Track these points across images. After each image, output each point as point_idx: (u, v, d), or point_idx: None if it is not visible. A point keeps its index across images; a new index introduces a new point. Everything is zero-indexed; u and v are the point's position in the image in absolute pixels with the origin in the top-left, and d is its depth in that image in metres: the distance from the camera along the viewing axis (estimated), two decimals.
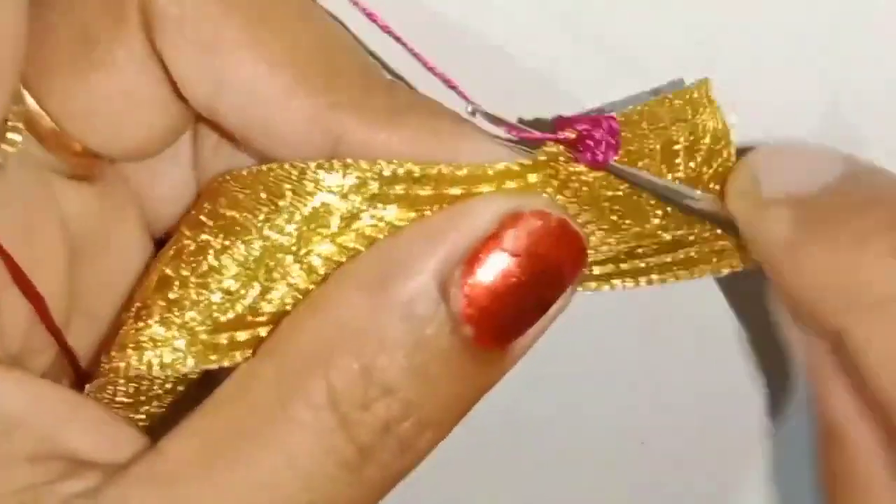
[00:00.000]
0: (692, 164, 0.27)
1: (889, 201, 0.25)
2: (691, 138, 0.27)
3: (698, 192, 0.26)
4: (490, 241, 0.24)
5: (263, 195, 0.25)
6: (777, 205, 0.25)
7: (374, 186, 0.25)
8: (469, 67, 0.28)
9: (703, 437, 0.37)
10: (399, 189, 0.25)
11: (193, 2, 0.25)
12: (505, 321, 0.24)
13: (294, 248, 0.25)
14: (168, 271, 0.26)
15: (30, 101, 0.26)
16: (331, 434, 0.23)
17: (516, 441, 0.38)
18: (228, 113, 0.26)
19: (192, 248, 0.26)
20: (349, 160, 0.25)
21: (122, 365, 0.25)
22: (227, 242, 0.25)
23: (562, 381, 0.37)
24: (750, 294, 0.33)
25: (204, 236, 0.26)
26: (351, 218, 0.25)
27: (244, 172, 0.26)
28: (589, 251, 0.26)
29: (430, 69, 0.26)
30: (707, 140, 0.27)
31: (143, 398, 0.28)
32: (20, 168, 0.26)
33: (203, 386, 0.29)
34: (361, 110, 0.25)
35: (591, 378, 0.36)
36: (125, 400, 0.27)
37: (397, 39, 0.26)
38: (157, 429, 0.28)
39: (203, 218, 0.26)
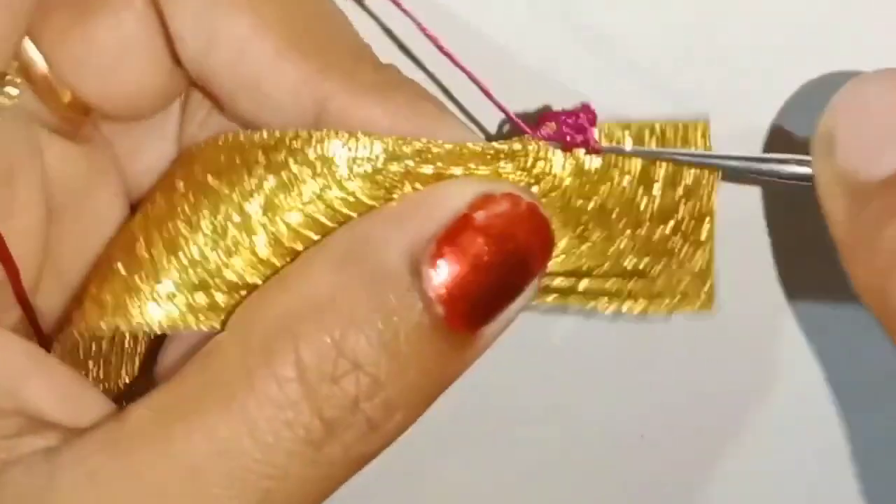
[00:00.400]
0: (671, 193, 0.27)
1: None
2: (673, 172, 0.27)
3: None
4: (461, 220, 0.24)
5: (237, 161, 0.25)
6: (839, 183, 0.24)
7: (347, 159, 0.25)
8: (469, 63, 0.28)
9: (703, 431, 0.37)
10: (371, 164, 0.25)
11: None
12: (475, 303, 0.24)
13: (262, 216, 0.25)
14: (136, 232, 0.26)
15: (26, 41, 0.26)
16: (296, 407, 0.23)
17: (516, 435, 0.39)
18: (218, 72, 0.26)
19: (163, 210, 0.26)
20: (325, 131, 0.25)
21: (83, 325, 0.25)
22: (197, 207, 0.25)
23: (561, 376, 0.37)
24: (749, 289, 0.34)
25: (175, 200, 0.26)
26: (322, 189, 0.25)
27: (220, 139, 0.26)
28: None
29: (450, 57, 0.26)
30: (689, 180, 0.27)
31: (111, 385, 0.28)
32: (9, 117, 0.26)
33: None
34: (349, 80, 0.25)
35: (591, 372, 0.36)
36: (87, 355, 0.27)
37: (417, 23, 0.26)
38: (117, 383, 0.29)
39: (176, 182, 0.26)
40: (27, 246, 0.26)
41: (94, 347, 0.27)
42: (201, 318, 0.25)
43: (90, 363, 0.27)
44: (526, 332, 0.35)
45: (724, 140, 0.31)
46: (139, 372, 0.29)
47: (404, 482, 0.39)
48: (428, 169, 0.25)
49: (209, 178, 0.26)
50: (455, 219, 0.24)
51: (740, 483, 0.38)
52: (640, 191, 0.26)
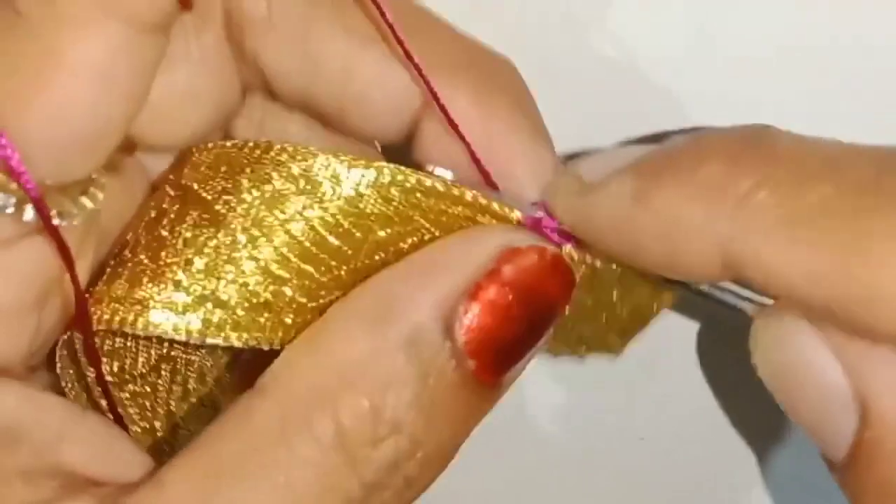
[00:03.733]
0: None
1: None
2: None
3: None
4: (490, 276, 0.24)
5: (223, 170, 0.25)
6: (618, 175, 0.25)
7: (328, 177, 0.25)
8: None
9: (702, 433, 0.37)
10: (355, 188, 0.25)
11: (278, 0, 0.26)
12: (504, 353, 0.24)
13: (245, 227, 0.25)
14: (128, 236, 0.26)
15: None
16: (336, 472, 0.23)
17: (516, 437, 0.39)
18: (325, 94, 0.26)
19: (153, 215, 0.26)
20: (312, 147, 0.25)
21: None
22: (181, 213, 0.25)
23: (561, 377, 0.37)
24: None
25: (164, 205, 0.26)
26: (303, 207, 0.25)
27: (210, 145, 0.26)
28: None
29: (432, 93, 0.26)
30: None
31: (127, 377, 0.28)
32: None
33: (185, 369, 0.29)
34: (456, 77, 0.26)
35: (591, 374, 0.36)
36: (109, 379, 0.27)
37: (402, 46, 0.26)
38: (142, 409, 0.29)
39: (167, 187, 0.26)
40: (67, 300, 0.26)
41: (107, 343, 0.27)
42: (197, 329, 0.25)
43: (104, 359, 0.27)
44: None
45: None
46: (156, 360, 0.28)
47: None
48: (448, 206, 0.25)
49: (195, 185, 0.25)
50: (483, 273, 0.24)
51: (741, 484, 0.38)
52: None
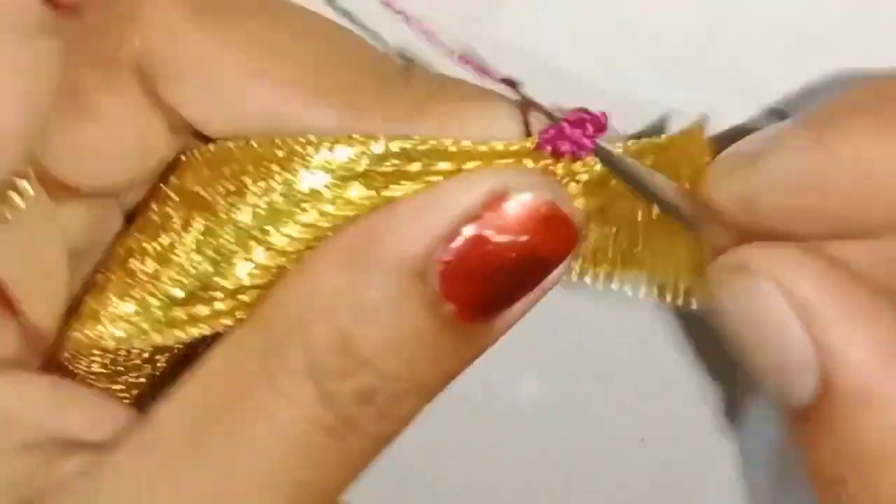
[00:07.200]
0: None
1: None
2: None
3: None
4: (474, 220, 0.23)
5: (227, 171, 0.25)
6: (790, 130, 0.24)
7: (342, 164, 0.24)
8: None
9: (703, 434, 0.37)
10: (371, 166, 0.24)
11: (188, 46, 0.25)
12: (488, 298, 0.24)
13: (255, 226, 0.25)
14: (131, 244, 0.26)
15: None
16: (310, 401, 0.23)
17: (516, 439, 0.39)
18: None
19: (157, 221, 0.26)
20: (315, 136, 0.24)
21: (81, 336, 0.26)
22: (188, 218, 0.25)
23: (562, 377, 0.37)
24: None
25: (168, 210, 0.26)
26: (313, 197, 0.24)
27: (211, 148, 0.26)
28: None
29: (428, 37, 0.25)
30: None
31: (120, 368, 0.28)
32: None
33: (182, 355, 0.29)
34: (384, 108, 0.25)
35: (592, 374, 0.37)
36: (101, 370, 0.27)
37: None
38: (138, 398, 0.29)
39: (169, 192, 0.26)
40: (51, 305, 0.27)
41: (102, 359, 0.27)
42: (201, 327, 0.25)
43: (94, 362, 0.27)
44: (528, 333, 0.35)
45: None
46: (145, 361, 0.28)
47: (401, 482, 0.39)
48: (445, 164, 0.24)
49: (200, 189, 0.25)
50: (467, 217, 0.24)
51: (743, 484, 0.38)
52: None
